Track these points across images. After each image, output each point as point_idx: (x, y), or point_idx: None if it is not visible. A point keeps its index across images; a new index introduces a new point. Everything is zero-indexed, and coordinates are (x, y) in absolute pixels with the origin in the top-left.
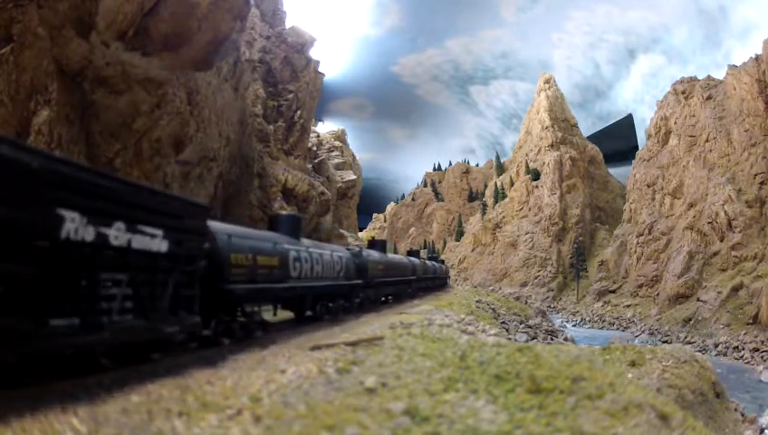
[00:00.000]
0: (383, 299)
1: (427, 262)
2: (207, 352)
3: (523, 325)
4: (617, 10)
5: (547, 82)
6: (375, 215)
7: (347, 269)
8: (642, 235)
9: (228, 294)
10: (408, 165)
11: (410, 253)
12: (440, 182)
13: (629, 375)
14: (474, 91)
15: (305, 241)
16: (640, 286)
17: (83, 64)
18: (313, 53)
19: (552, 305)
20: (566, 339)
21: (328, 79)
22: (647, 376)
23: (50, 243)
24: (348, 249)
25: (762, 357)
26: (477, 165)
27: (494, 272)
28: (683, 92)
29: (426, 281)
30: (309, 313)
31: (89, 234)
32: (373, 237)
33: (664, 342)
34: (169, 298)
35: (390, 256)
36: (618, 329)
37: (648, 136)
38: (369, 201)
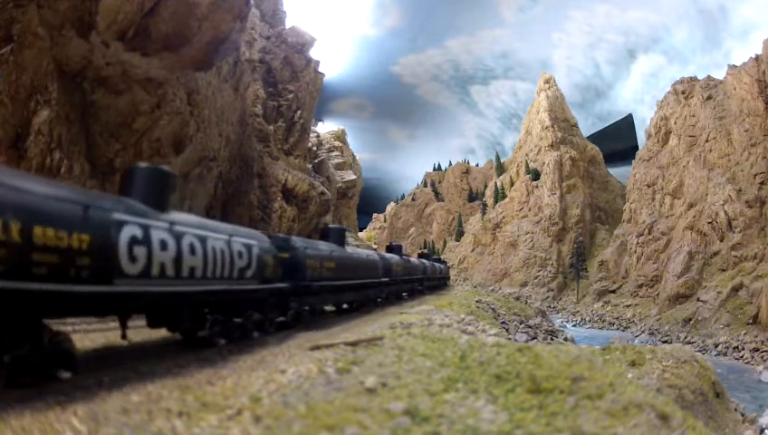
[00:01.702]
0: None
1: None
2: (207, 353)
3: (523, 325)
4: (617, 10)
5: (547, 82)
6: (375, 215)
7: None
8: (642, 235)
9: None
10: (407, 165)
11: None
12: (440, 182)
13: (629, 375)
14: (474, 91)
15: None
16: (640, 286)
17: (83, 64)
18: (313, 53)
19: (552, 305)
20: (566, 339)
21: (328, 79)
22: (647, 376)
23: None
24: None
25: (762, 357)
26: (477, 165)
27: (494, 272)
28: (683, 92)
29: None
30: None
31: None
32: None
33: (664, 342)
34: None
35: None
36: (618, 329)
37: (648, 136)
38: (369, 201)
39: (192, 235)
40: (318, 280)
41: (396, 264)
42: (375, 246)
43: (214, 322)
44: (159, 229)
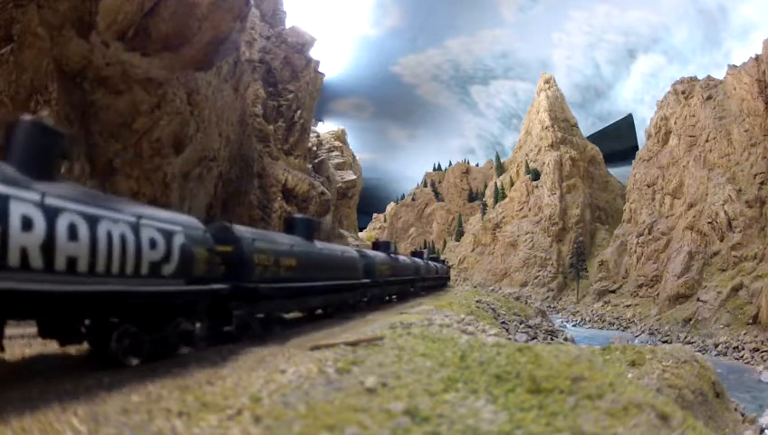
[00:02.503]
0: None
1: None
2: (207, 352)
3: (523, 325)
4: (617, 10)
5: (547, 82)
6: (375, 215)
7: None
8: (642, 235)
9: None
10: (407, 165)
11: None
12: (440, 182)
13: (629, 375)
14: (474, 91)
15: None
16: (640, 286)
17: (83, 64)
18: (313, 53)
19: (552, 305)
20: (566, 339)
21: (328, 79)
22: (647, 376)
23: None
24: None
25: (762, 357)
26: (477, 165)
27: (494, 272)
28: (683, 92)
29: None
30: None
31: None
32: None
33: (664, 342)
34: None
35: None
36: (618, 329)
37: (648, 136)
38: (369, 201)
39: (75, 212)
40: (272, 281)
41: (380, 262)
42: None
43: (122, 334)
44: (22, 202)
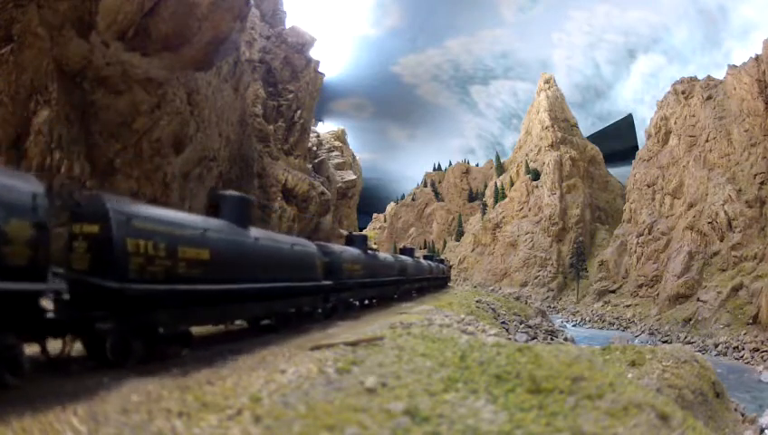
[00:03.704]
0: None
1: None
2: (207, 352)
3: (523, 325)
4: (617, 10)
5: (547, 82)
6: (375, 215)
7: None
8: (642, 235)
9: None
10: (407, 165)
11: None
12: (440, 182)
13: (629, 375)
14: (474, 91)
15: None
16: (640, 286)
17: (83, 64)
18: (313, 53)
19: (552, 305)
20: (566, 339)
21: (328, 79)
22: (647, 376)
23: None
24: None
25: (762, 357)
26: (477, 165)
27: (494, 272)
28: (683, 92)
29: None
30: None
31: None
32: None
33: (664, 342)
34: None
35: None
36: (618, 329)
37: (648, 136)
38: (369, 201)
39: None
40: (164, 280)
41: (349, 260)
42: (375, 246)
43: None
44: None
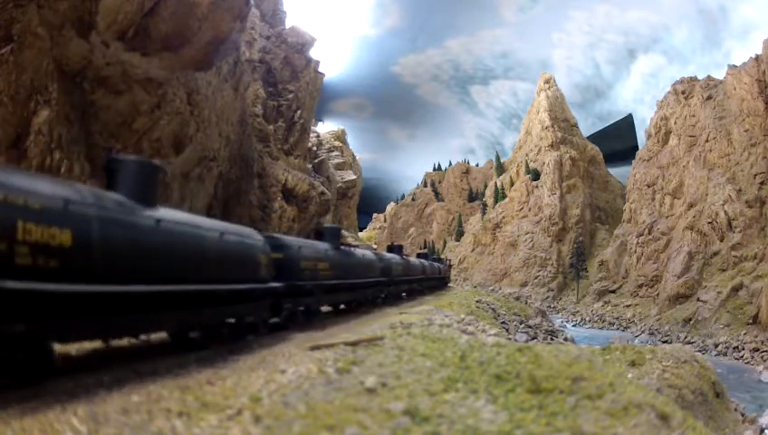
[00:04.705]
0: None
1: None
2: (207, 352)
3: (523, 325)
4: (617, 10)
5: (547, 82)
6: (375, 215)
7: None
8: (642, 235)
9: None
10: (407, 165)
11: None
12: (440, 182)
13: (629, 375)
14: (474, 91)
15: None
16: (640, 286)
17: (83, 64)
18: (313, 53)
19: (552, 305)
20: (566, 339)
21: (328, 79)
22: (647, 376)
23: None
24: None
25: (762, 357)
26: (477, 165)
27: (494, 272)
28: (683, 92)
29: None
30: None
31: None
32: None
33: (664, 342)
34: None
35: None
36: (618, 329)
37: (648, 136)
38: (369, 201)
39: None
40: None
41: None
42: (375, 246)
43: None
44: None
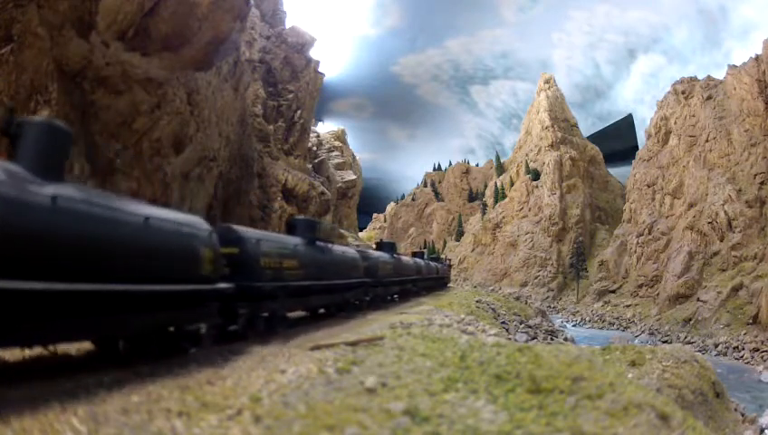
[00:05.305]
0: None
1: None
2: (207, 352)
3: (523, 325)
4: (617, 10)
5: (547, 82)
6: (375, 215)
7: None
8: (642, 235)
9: None
10: (407, 165)
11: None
12: (440, 182)
13: (629, 375)
14: (474, 91)
15: None
16: (640, 286)
17: (83, 64)
18: (313, 53)
19: (552, 305)
20: (566, 339)
21: (328, 79)
22: (647, 376)
23: None
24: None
25: (762, 357)
26: (477, 165)
27: (494, 272)
28: (683, 92)
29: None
30: None
31: None
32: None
33: (664, 342)
34: None
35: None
36: (618, 329)
37: (648, 136)
38: (369, 201)
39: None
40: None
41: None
42: (375, 247)
43: None
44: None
